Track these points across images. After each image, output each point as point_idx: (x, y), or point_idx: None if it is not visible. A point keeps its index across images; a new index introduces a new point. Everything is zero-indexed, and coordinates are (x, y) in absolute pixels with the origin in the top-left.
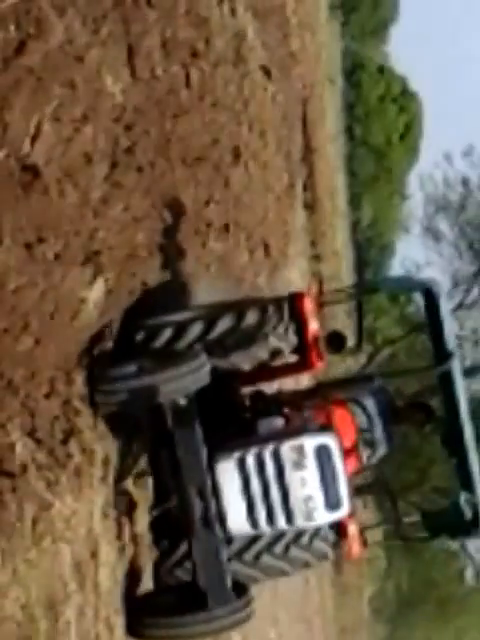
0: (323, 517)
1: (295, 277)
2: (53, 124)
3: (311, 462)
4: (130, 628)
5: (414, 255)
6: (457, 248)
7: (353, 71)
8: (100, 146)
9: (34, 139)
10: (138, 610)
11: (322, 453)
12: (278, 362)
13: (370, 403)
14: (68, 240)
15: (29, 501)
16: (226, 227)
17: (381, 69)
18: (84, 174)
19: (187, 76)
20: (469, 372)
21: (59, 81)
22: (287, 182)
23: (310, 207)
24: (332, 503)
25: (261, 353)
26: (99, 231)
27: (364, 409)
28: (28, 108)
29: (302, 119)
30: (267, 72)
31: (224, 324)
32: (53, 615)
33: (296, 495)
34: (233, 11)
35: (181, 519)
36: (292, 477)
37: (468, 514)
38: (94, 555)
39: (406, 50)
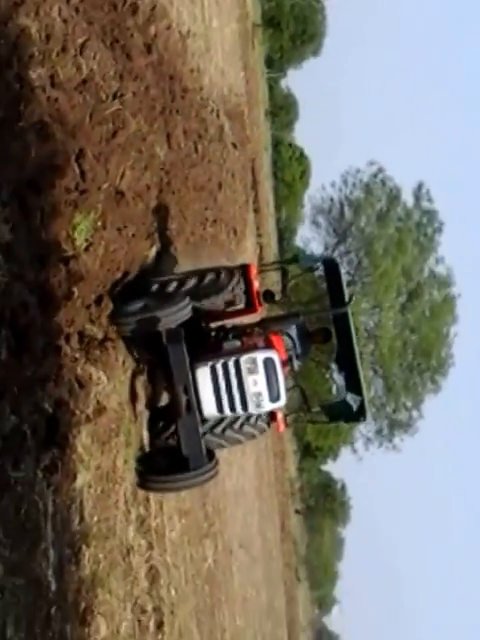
0: (268, 406)
1: (249, 245)
2: (130, 170)
3: (260, 369)
4: (139, 483)
5: (305, 234)
6: (327, 231)
7: (276, 145)
8: (154, 181)
9: (122, 176)
10: (143, 470)
11: (268, 363)
12: (233, 308)
13: (294, 331)
14: (139, 226)
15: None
16: (215, 221)
17: (290, 145)
18: (146, 197)
19: (196, 147)
20: None
21: (135, 148)
22: (245, 199)
23: (256, 211)
24: (274, 397)
25: (223, 300)
26: (153, 223)
27: (290, 336)
28: (120, 162)
29: (251, 168)
30: (234, 145)
31: (195, 281)
32: (126, 410)
33: (250, 391)
34: (218, 115)
35: (171, 406)
36: (247, 379)
37: (355, 407)
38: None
39: (306, 136)
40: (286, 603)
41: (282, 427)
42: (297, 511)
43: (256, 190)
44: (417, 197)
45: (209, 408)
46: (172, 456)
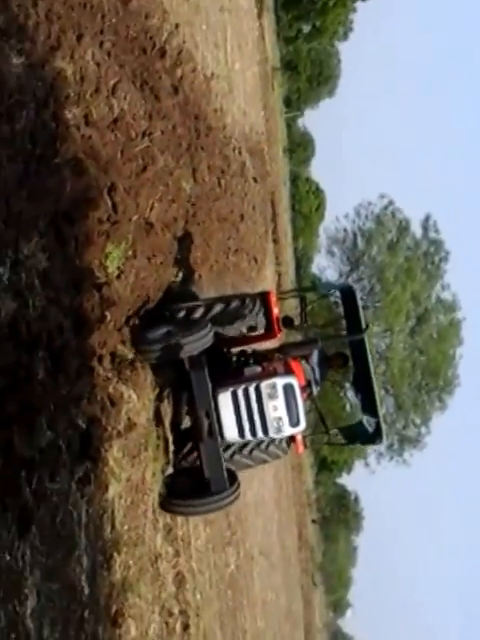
0: (288, 431)
1: (269, 273)
2: (159, 203)
3: (280, 394)
4: (161, 506)
5: (320, 262)
6: (341, 260)
7: (294, 180)
8: (181, 213)
9: (151, 208)
10: (166, 492)
11: (288, 389)
12: (254, 333)
13: (313, 357)
14: (167, 254)
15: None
16: (237, 250)
17: (307, 179)
18: (174, 227)
19: (219, 182)
20: None
21: (163, 182)
22: (265, 229)
23: (275, 241)
24: (294, 422)
25: (245, 326)
26: (180, 252)
27: (309, 362)
28: (149, 195)
29: (271, 201)
30: (255, 180)
31: (220, 307)
32: (154, 426)
33: (270, 416)
34: (240, 151)
35: (194, 431)
36: (268, 404)
37: (371, 430)
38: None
39: (322, 171)
40: (303, 606)
41: (301, 448)
42: (313, 521)
43: (275, 221)
44: (425, 228)
45: (231, 433)
46: (195, 478)
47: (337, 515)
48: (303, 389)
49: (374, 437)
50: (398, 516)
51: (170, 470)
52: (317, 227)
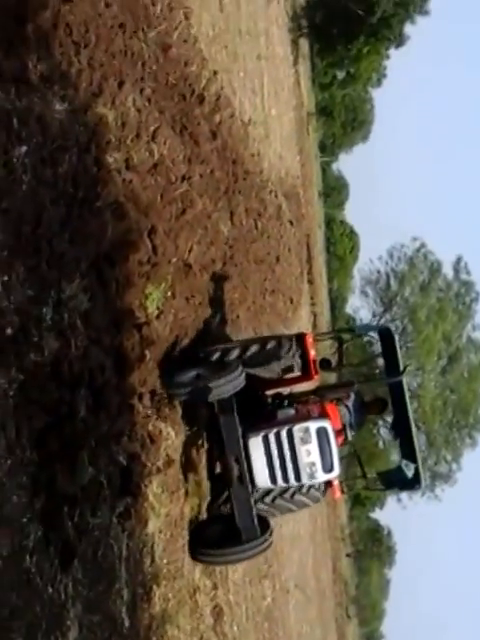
0: (321, 477)
1: (304, 313)
2: (197, 245)
3: (314, 439)
4: (192, 555)
5: (354, 303)
6: (374, 301)
7: (328, 223)
8: (219, 254)
9: (190, 251)
10: (195, 540)
11: (321, 433)
12: (290, 375)
13: (350, 401)
14: (205, 295)
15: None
16: (273, 291)
17: (341, 222)
18: (212, 269)
19: (256, 224)
20: None
21: (201, 225)
22: (300, 271)
23: (310, 282)
24: (327, 467)
25: (279, 368)
26: (218, 293)
27: (346, 406)
28: (188, 237)
29: (306, 243)
30: (291, 223)
31: (256, 348)
32: (183, 456)
33: (303, 461)
34: (276, 195)
35: (224, 477)
36: (300, 449)
37: (409, 475)
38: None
39: (356, 214)
40: (338, 638)
41: (338, 494)
42: (348, 555)
43: (310, 263)
44: (456, 270)
45: (262, 479)
46: (226, 525)
47: (370, 549)
48: (339, 433)
49: (413, 483)
50: (430, 549)
51: (203, 516)
52: (351, 269)
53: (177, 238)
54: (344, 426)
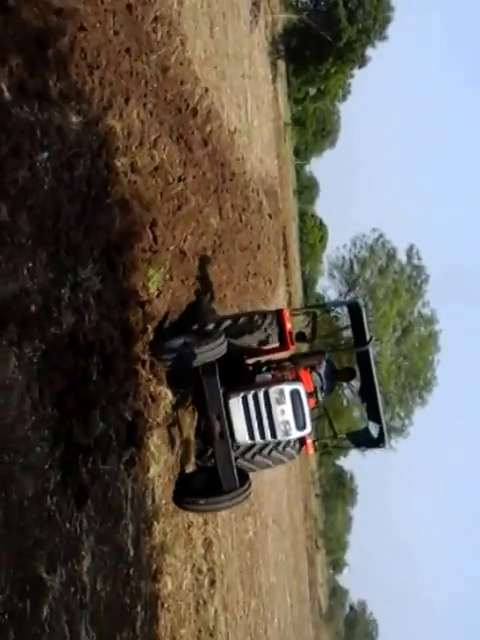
0: (295, 434)
1: (281, 292)
2: (191, 235)
3: (288, 399)
4: (177, 502)
5: (323, 283)
6: (340, 282)
7: (302, 216)
8: (209, 243)
9: (185, 240)
10: (180, 488)
11: (294, 394)
12: (269, 346)
13: (321, 368)
14: (197, 278)
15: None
16: (255, 274)
17: (312, 216)
18: (202, 254)
19: (240, 218)
20: None
21: (194, 218)
22: (277, 257)
23: (286, 266)
24: (300, 425)
25: (257, 339)
26: (208, 276)
27: (319, 373)
28: (183, 229)
29: (283, 234)
30: (270, 216)
31: (243, 321)
32: (177, 413)
33: (278, 420)
34: (257, 193)
35: (208, 434)
36: (276, 409)
37: (375, 434)
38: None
39: (325, 209)
40: (308, 565)
41: (311, 450)
42: (317, 495)
43: (286, 250)
44: (409, 256)
45: (241, 435)
46: (209, 476)
47: (336, 491)
48: (310, 395)
49: (378, 442)
50: (386, 490)
51: (191, 468)
52: (321, 255)
53: (174, 229)
54: (315, 389)
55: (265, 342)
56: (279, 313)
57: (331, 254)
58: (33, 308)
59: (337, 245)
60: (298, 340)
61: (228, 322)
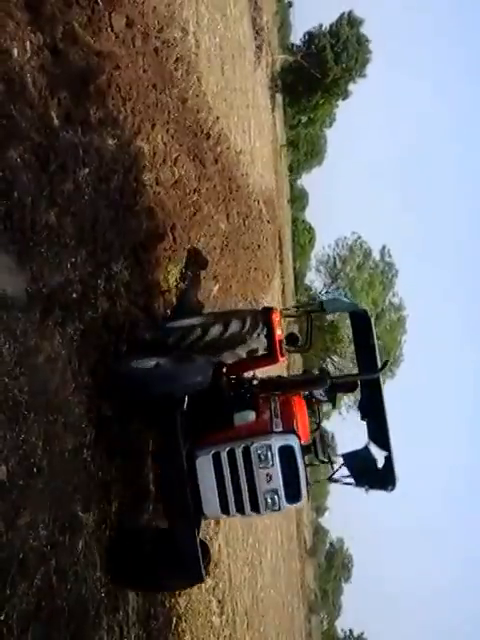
0: (284, 506)
1: (276, 284)
2: (203, 237)
3: (276, 460)
4: (113, 580)
5: (311, 277)
6: (325, 275)
7: (294, 222)
8: (218, 244)
9: (198, 241)
10: (117, 562)
11: (285, 453)
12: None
13: (319, 392)
14: (208, 272)
15: None
16: (255, 269)
17: (303, 221)
18: (213, 254)
19: (244, 222)
20: None
21: (206, 223)
22: (274, 254)
23: (281, 262)
24: (291, 496)
25: (249, 348)
26: (217, 270)
27: (314, 397)
28: (197, 231)
29: (278, 236)
30: (268, 221)
31: (217, 330)
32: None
33: (262, 488)
34: (258, 202)
35: (164, 507)
36: (259, 473)
37: (378, 460)
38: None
39: (313, 216)
40: (295, 510)
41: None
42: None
43: (281, 249)
44: (382, 254)
45: (211, 509)
46: (162, 550)
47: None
48: (305, 425)
49: (385, 483)
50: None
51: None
52: (309, 253)
53: (190, 232)
54: (310, 418)
55: (255, 351)
56: (267, 314)
57: (318, 253)
58: (74, 295)
59: (323, 245)
60: (289, 344)
61: (217, 328)
